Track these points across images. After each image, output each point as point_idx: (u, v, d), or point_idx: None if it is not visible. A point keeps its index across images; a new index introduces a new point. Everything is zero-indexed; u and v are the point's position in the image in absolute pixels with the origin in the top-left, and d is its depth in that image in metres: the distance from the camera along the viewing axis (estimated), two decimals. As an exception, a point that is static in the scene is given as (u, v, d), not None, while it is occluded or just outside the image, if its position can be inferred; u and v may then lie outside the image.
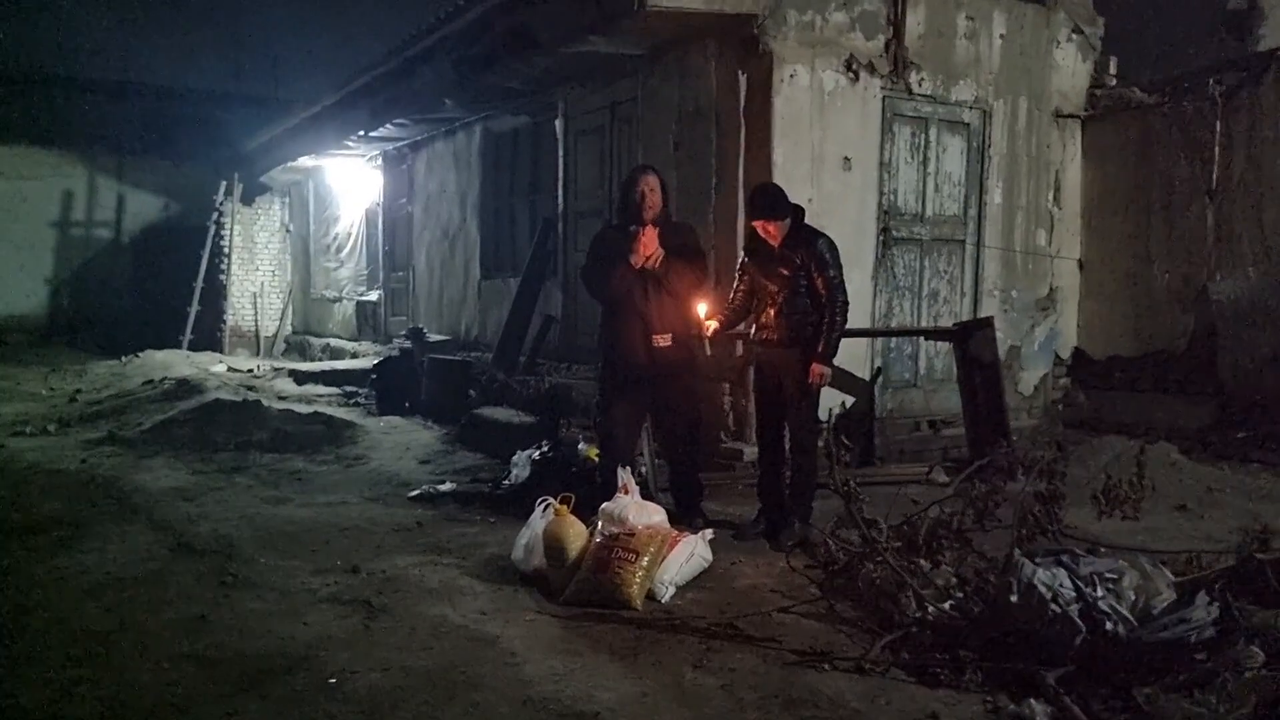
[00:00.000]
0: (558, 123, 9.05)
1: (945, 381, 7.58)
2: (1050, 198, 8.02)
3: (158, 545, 5.21)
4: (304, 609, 4.24)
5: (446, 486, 6.43)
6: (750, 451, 6.61)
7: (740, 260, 5.19)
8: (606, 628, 3.94)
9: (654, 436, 5.56)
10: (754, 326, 5.13)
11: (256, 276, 17.06)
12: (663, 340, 5.22)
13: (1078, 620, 3.24)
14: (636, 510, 4.54)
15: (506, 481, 6.26)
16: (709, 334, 5.03)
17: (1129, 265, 7.84)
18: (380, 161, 13.28)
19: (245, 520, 5.78)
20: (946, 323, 7.48)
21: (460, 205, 11.10)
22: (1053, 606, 3.28)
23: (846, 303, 4.90)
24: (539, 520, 4.66)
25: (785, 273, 4.91)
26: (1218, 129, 7.20)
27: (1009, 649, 3.37)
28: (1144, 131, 7.70)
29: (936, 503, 4.33)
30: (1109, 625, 3.22)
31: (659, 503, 5.87)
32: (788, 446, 5.05)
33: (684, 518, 5.30)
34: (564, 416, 7.23)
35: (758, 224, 4.92)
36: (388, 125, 11.01)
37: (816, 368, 4.83)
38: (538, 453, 6.32)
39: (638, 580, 4.16)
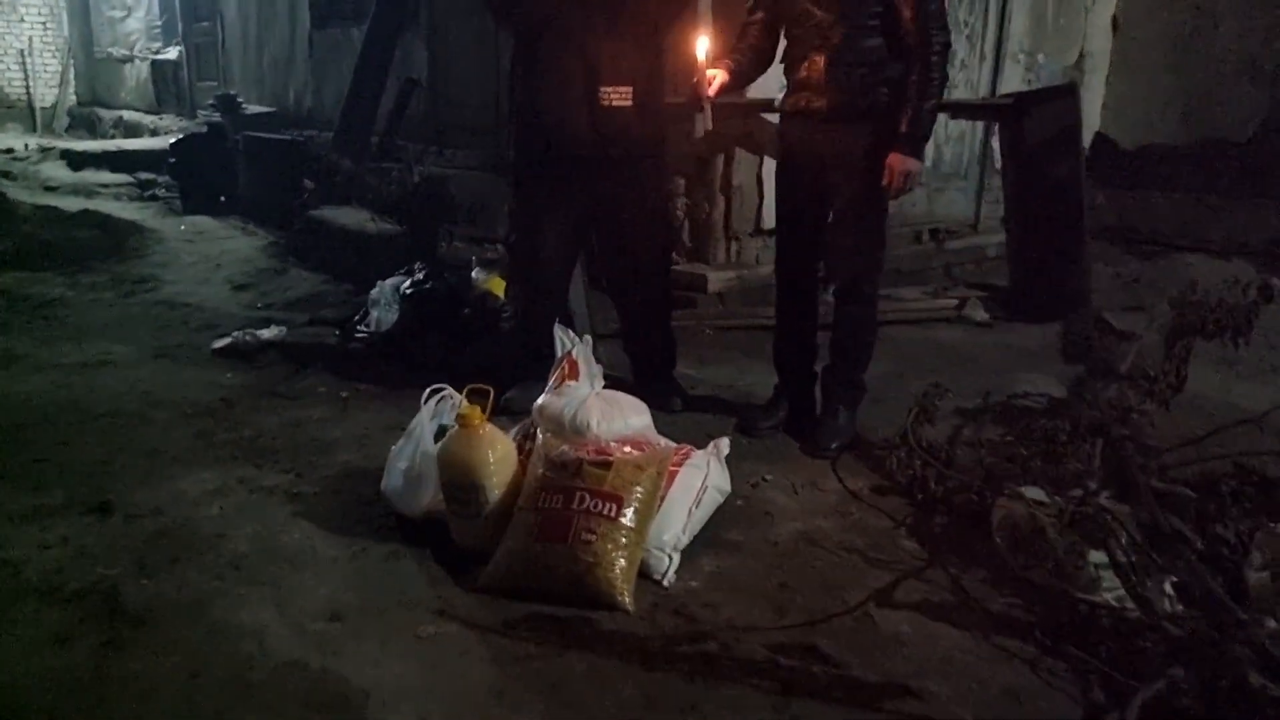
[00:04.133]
0: None
1: (952, 178, 5.77)
2: (1094, -77, 6.02)
3: None
4: (-15, 617, 2.21)
5: (271, 333, 4.28)
6: (718, 278, 4.70)
7: (760, -33, 3.04)
8: (581, 664, 2.06)
9: (600, 263, 3.52)
10: (786, 86, 3.05)
11: (22, 29, 13.42)
12: (617, 96, 3.10)
13: None
14: (602, 411, 2.60)
15: (364, 327, 4.18)
16: (712, 92, 2.92)
17: (1183, 24, 6.01)
18: None
19: (-68, 399, 3.58)
20: (961, 95, 5.57)
21: (280, -75, 8.21)
22: None
23: (948, 45, 2.87)
24: (427, 424, 2.67)
25: (846, -9, 2.83)
26: None
27: None
28: None
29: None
30: None
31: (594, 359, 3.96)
32: (834, 289, 3.12)
33: (651, 396, 3.41)
34: (441, 222, 5.07)
35: (803, -101, 2.77)
36: None
37: (899, 160, 2.85)
38: (409, 281, 4.23)
39: (624, 556, 2.27)
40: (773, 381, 3.37)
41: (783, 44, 3.06)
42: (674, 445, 2.65)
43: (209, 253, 6.15)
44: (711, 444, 2.70)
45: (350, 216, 5.66)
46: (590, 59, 3.04)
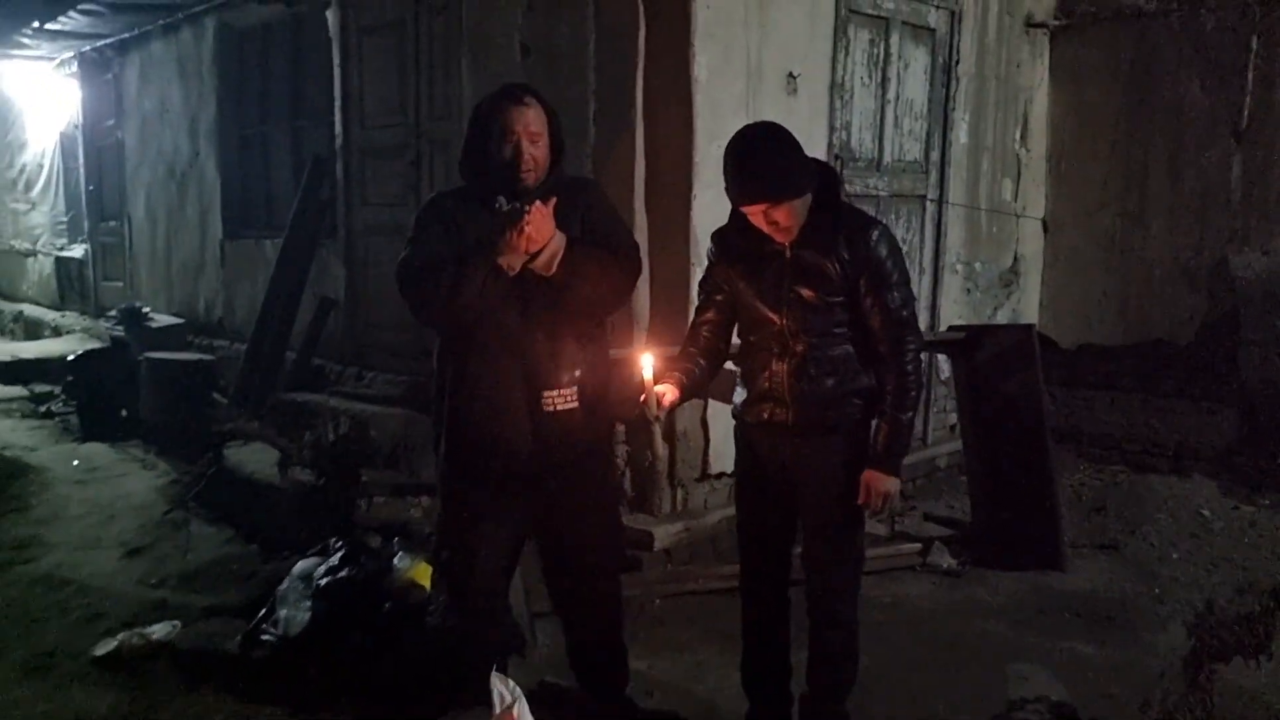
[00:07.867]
0: (331, 14, 6.17)
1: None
2: (1018, 136, 6.06)
3: None
4: None
5: (161, 632, 3.75)
6: (665, 533, 4.32)
7: (709, 262, 2.78)
8: None
9: (545, 575, 3.12)
10: (744, 391, 2.76)
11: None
12: (562, 400, 2.74)
13: None
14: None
15: (270, 628, 3.66)
16: (662, 407, 2.60)
17: (1114, 227, 6.02)
18: (76, 67, 9.73)
19: None
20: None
21: (190, 133, 7.94)
22: None
23: (921, 349, 2.62)
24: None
25: (806, 294, 2.57)
26: (1253, 46, 5.41)
27: None
28: (1142, 48, 5.82)
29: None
30: None
31: (526, 653, 3.55)
32: (809, 610, 2.76)
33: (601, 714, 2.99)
34: (359, 474, 4.63)
35: (755, 209, 2.52)
36: (73, 13, 7.68)
37: (877, 480, 2.55)
38: (323, 567, 3.75)
39: None
40: (737, 681, 2.96)
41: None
42: None
43: (102, 499, 5.58)
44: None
45: (258, 460, 5.19)
46: (529, 361, 2.71)
